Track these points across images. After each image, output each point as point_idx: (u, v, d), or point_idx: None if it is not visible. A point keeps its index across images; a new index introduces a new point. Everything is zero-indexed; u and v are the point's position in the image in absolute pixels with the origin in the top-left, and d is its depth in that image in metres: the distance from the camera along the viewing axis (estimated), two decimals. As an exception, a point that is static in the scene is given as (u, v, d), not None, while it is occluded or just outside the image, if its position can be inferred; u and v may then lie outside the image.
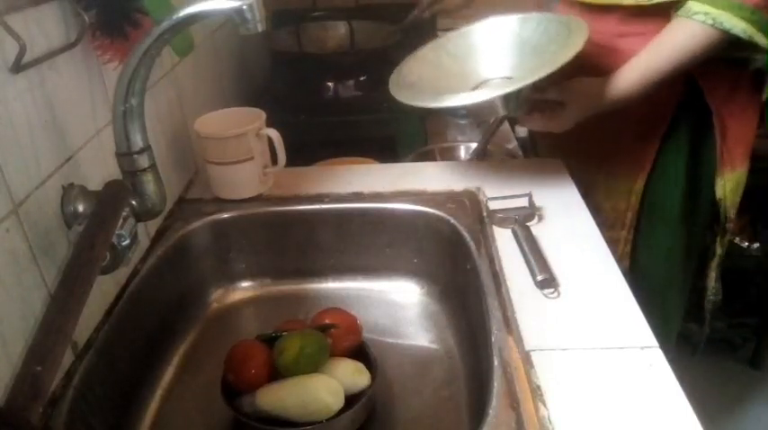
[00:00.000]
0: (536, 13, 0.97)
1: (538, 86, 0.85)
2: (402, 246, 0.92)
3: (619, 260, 0.76)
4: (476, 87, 0.95)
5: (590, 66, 0.89)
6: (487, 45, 0.99)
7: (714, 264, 1.06)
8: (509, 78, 0.93)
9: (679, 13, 0.83)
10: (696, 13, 0.81)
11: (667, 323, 1.08)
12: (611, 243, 0.80)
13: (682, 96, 0.94)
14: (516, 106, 0.90)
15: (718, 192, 0.98)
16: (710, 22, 0.80)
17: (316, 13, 1.41)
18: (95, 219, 0.60)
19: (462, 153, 1.28)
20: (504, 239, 0.81)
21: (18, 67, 0.56)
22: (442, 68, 0.98)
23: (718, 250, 1.04)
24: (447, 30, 1.10)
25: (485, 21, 1.01)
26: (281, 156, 0.91)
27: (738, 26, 0.80)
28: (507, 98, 0.88)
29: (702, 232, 1.05)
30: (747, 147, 0.98)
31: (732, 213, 1.01)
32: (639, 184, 1.01)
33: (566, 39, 0.85)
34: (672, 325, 1.10)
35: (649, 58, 0.86)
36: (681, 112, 0.95)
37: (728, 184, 0.98)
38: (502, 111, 0.95)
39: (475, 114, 1.38)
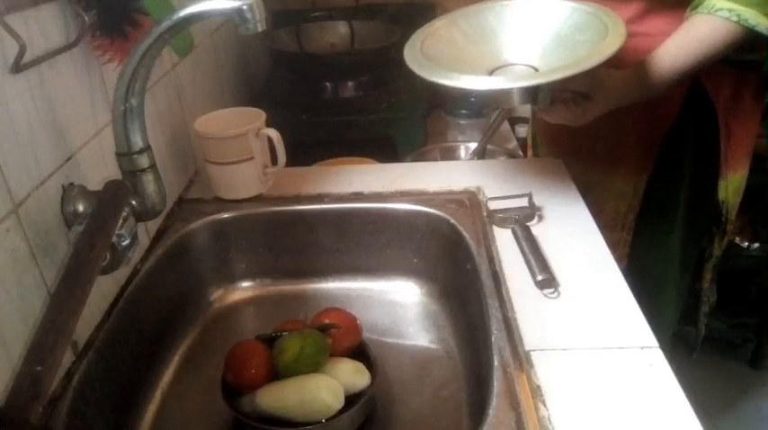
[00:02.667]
0: (577, 2, 0.89)
1: (564, 80, 0.80)
2: (402, 246, 0.92)
3: (617, 262, 0.76)
4: (493, 71, 0.89)
5: (609, 63, 0.87)
6: (508, 26, 0.92)
7: (710, 265, 1.06)
8: (531, 67, 0.88)
9: (700, 9, 0.82)
10: (720, 10, 0.80)
11: (662, 324, 1.08)
12: (610, 245, 0.79)
13: (685, 98, 0.94)
14: (539, 98, 0.85)
15: (721, 195, 0.98)
16: (735, 18, 0.79)
17: (316, 13, 1.41)
18: (95, 219, 0.60)
19: (462, 153, 1.28)
20: (504, 239, 0.81)
21: (18, 67, 0.56)
22: (456, 46, 0.92)
23: (717, 252, 1.04)
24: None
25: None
26: (281, 157, 0.91)
27: (763, 23, 0.79)
28: (530, 89, 0.83)
29: (701, 234, 1.05)
30: (749, 149, 0.98)
31: (733, 215, 1.01)
32: (641, 186, 1.00)
33: (600, 35, 0.81)
34: (667, 326, 1.10)
35: (675, 52, 0.84)
36: (685, 114, 0.95)
37: (731, 186, 0.98)
38: (518, 102, 0.89)
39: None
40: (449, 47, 0.90)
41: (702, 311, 1.11)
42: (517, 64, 0.89)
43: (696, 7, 0.83)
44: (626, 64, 0.85)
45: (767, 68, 0.91)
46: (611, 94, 0.85)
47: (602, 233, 0.82)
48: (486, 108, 1.36)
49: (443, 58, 0.86)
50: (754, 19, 0.79)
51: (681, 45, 0.84)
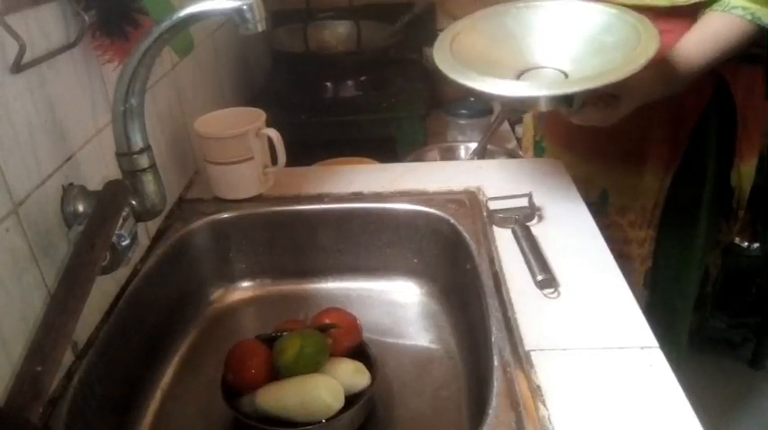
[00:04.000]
0: (600, 4, 0.89)
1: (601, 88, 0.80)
2: (402, 246, 0.92)
3: (642, 261, 0.76)
4: (522, 73, 0.88)
5: None
6: (531, 29, 0.92)
7: (718, 251, 1.07)
8: (560, 71, 0.88)
9: (715, 7, 0.84)
10: (734, 8, 0.82)
11: (681, 320, 1.08)
12: (637, 243, 0.80)
13: (711, 95, 0.95)
14: (574, 102, 0.84)
15: (734, 180, 1.00)
16: (749, 17, 0.82)
17: (316, 14, 1.41)
18: (95, 219, 0.60)
19: (462, 153, 1.28)
20: (504, 239, 0.81)
21: (18, 67, 0.56)
22: (482, 49, 0.90)
23: (726, 238, 1.06)
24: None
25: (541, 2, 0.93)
26: (281, 157, 0.91)
27: None
28: (564, 95, 0.82)
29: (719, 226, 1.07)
30: (760, 138, 1.00)
31: (744, 202, 1.03)
32: (667, 182, 1.01)
33: (632, 39, 0.81)
34: (685, 321, 1.11)
35: (692, 49, 0.86)
36: (709, 111, 0.96)
37: (743, 175, 1.00)
38: (545, 107, 0.88)
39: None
40: (476, 49, 0.90)
41: (708, 295, 1.12)
42: (546, 67, 0.89)
43: (711, 5, 0.85)
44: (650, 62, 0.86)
45: None
46: (637, 92, 0.85)
47: (627, 231, 0.81)
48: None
49: (472, 59, 0.85)
50: (767, 17, 0.81)
51: (698, 41, 0.86)
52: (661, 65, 0.86)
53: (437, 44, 0.88)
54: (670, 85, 0.87)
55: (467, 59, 0.85)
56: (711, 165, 1.00)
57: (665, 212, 1.03)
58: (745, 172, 1.01)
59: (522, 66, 0.89)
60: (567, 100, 0.84)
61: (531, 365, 0.61)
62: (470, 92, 0.81)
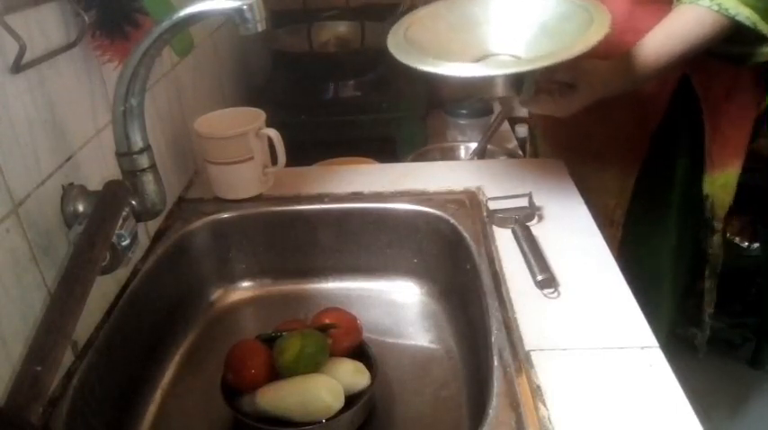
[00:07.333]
0: None
1: (549, 67, 0.79)
2: (402, 246, 0.92)
3: None
4: (478, 61, 0.88)
5: (596, 57, 0.85)
6: (492, 17, 0.91)
7: (710, 266, 1.05)
8: (516, 57, 0.88)
9: None
10: None
11: (656, 322, 1.07)
12: None
13: (674, 95, 0.93)
14: (522, 87, 0.84)
15: (705, 190, 0.98)
16: (716, 7, 0.79)
17: (316, 14, 1.41)
18: (95, 219, 0.60)
19: (462, 153, 1.28)
20: (504, 239, 0.81)
21: (18, 67, 0.56)
22: (440, 35, 0.89)
23: (712, 250, 1.04)
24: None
25: None
26: (281, 157, 0.91)
27: (743, 13, 0.78)
28: (514, 78, 0.82)
29: (696, 232, 1.04)
30: (740, 147, 0.98)
31: (721, 213, 1.00)
32: (630, 181, 1.00)
33: (586, 26, 0.80)
34: (661, 324, 1.09)
35: (659, 42, 0.84)
36: (676, 109, 0.95)
37: (717, 183, 0.98)
38: (502, 92, 0.88)
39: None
40: (433, 36, 0.89)
41: (706, 313, 1.10)
42: (502, 54, 0.89)
43: None
44: (613, 58, 0.85)
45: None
46: (595, 83, 0.84)
47: None
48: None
49: (427, 46, 0.85)
50: (735, 8, 0.78)
51: (665, 35, 0.84)
52: (623, 57, 0.84)
53: (393, 29, 0.87)
54: (632, 77, 0.84)
55: (422, 45, 0.84)
56: (679, 168, 0.98)
57: (631, 214, 1.02)
58: (720, 178, 0.97)
59: (480, 53, 0.88)
60: (516, 85, 0.82)
61: (531, 365, 0.61)
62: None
